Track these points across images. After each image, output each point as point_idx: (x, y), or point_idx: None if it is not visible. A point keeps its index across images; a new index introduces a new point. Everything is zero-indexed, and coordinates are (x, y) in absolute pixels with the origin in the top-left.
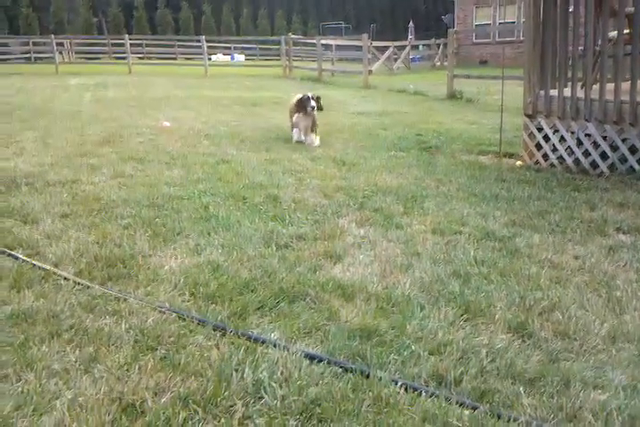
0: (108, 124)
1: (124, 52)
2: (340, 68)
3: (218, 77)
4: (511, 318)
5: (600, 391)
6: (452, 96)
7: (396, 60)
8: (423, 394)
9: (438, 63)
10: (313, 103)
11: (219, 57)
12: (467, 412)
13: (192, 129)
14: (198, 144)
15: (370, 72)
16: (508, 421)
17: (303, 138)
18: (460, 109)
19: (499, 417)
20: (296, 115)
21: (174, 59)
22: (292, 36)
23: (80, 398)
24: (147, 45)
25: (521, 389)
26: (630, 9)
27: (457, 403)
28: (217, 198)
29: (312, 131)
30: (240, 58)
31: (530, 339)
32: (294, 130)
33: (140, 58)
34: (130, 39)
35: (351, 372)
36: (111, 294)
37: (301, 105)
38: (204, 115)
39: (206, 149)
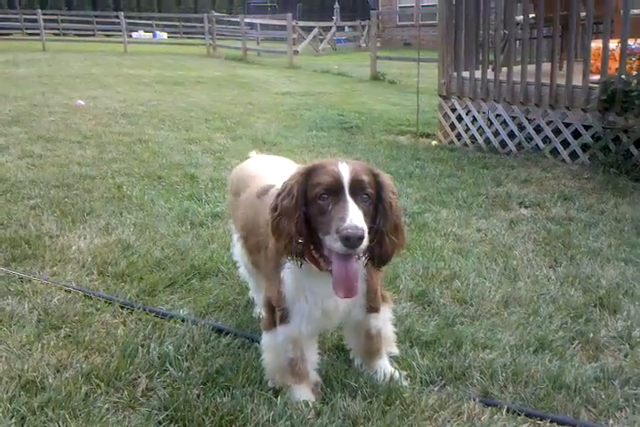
0: (17, 103)
1: (37, 28)
2: (266, 48)
3: (138, 55)
4: (414, 287)
5: (489, 351)
6: (376, 77)
7: (321, 40)
8: (325, 359)
9: (364, 45)
10: (356, 223)
11: (140, 34)
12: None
13: (108, 108)
14: (114, 123)
15: (295, 52)
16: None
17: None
18: (382, 91)
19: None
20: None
21: (92, 35)
22: (216, 13)
23: None
24: (62, 21)
25: (417, 351)
26: None
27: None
28: (131, 178)
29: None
30: (162, 36)
31: (430, 306)
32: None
33: (55, 34)
34: (43, 14)
35: (258, 342)
36: (14, 274)
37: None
38: (122, 93)
39: (122, 129)
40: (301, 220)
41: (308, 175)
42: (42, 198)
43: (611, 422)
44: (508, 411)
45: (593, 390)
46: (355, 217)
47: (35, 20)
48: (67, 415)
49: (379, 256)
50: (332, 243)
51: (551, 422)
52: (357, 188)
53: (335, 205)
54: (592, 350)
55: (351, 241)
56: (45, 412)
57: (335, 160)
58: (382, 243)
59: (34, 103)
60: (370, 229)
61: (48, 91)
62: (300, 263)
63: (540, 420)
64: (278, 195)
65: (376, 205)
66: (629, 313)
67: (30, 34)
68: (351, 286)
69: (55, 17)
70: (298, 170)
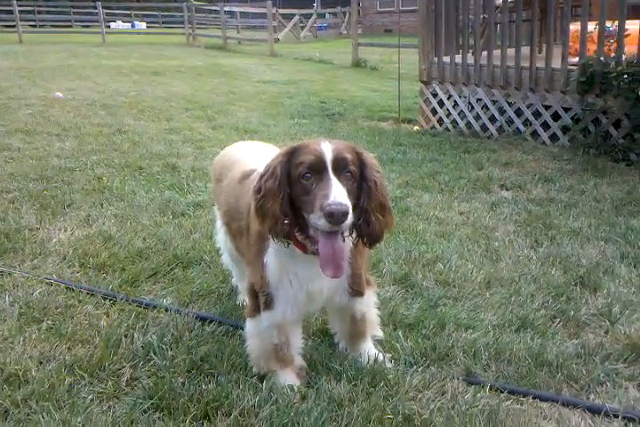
0: None
1: (13, 20)
2: (247, 36)
3: (117, 46)
4: (397, 271)
5: (471, 331)
6: (357, 64)
7: (302, 28)
8: (309, 343)
9: (345, 32)
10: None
11: (118, 24)
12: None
13: (87, 99)
14: (93, 115)
15: (276, 40)
16: None
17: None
18: (364, 77)
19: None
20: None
21: (70, 26)
22: (195, 2)
23: None
24: (39, 12)
25: (400, 333)
26: None
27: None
28: (111, 169)
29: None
30: (141, 25)
31: (413, 289)
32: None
33: (31, 26)
34: (19, 5)
35: (242, 329)
36: None
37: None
38: (100, 85)
39: (102, 120)
40: (286, 200)
41: (290, 155)
42: (20, 191)
43: (592, 397)
44: (491, 389)
45: (574, 366)
46: (338, 194)
47: (10, 12)
48: (51, 407)
49: (368, 235)
50: (317, 220)
51: (533, 398)
52: (340, 166)
53: (318, 184)
54: (573, 327)
55: (335, 217)
56: (29, 404)
57: (318, 140)
58: (369, 221)
59: (10, 96)
60: (354, 207)
61: (25, 83)
62: (287, 244)
63: (523, 397)
64: (261, 176)
65: (360, 183)
66: (609, 291)
67: (6, 26)
68: (338, 264)
69: (31, 8)
70: (280, 151)
